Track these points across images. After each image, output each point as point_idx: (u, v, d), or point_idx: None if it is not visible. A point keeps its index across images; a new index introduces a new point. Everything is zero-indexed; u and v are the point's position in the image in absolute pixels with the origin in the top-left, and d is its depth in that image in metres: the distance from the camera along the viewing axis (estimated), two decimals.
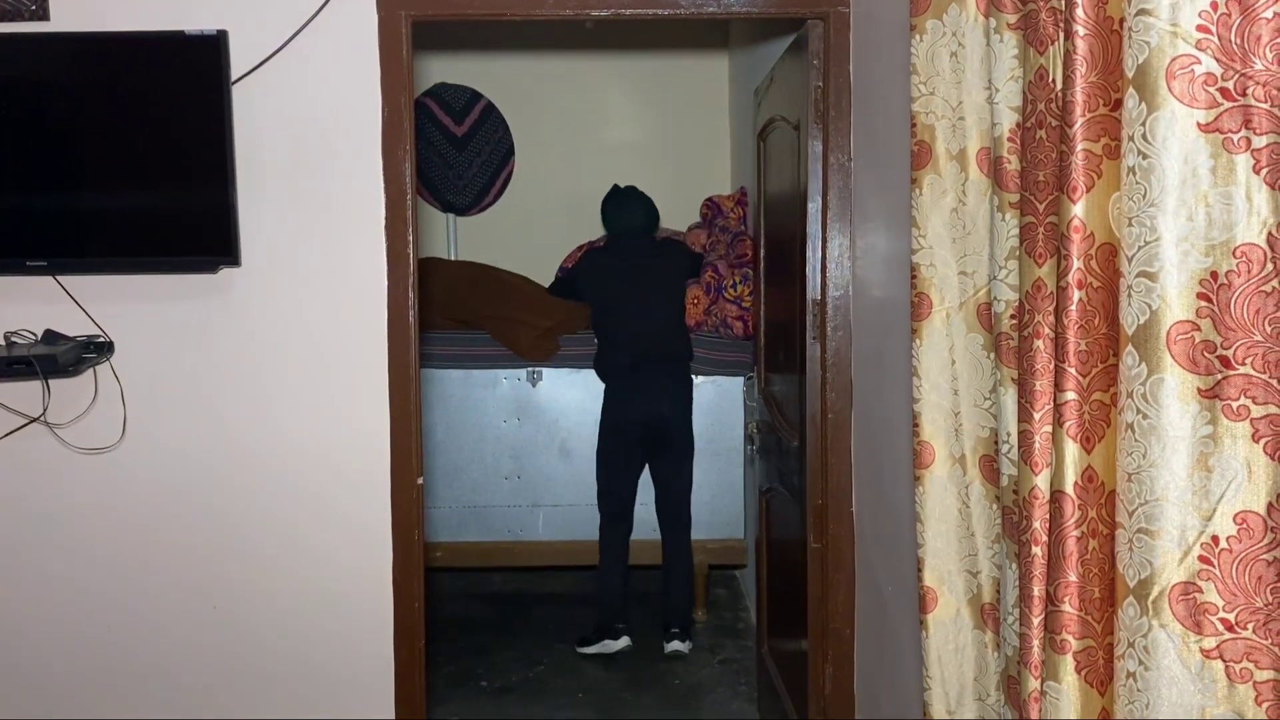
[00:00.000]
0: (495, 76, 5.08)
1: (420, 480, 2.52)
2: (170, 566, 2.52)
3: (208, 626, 2.53)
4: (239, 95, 2.38)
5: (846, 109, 2.47)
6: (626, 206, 4.07)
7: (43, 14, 2.41)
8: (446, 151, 5.04)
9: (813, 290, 2.56)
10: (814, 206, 2.53)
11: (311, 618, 2.53)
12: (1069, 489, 1.24)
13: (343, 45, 2.43)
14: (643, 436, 3.98)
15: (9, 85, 2.39)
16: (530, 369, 4.32)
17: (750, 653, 3.96)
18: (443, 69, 5.03)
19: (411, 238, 2.48)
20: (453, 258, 5.10)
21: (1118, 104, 1.17)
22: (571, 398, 4.34)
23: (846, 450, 2.52)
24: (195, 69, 2.34)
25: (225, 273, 2.45)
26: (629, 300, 4.03)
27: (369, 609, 2.52)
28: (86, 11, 2.39)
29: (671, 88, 5.26)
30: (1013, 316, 1.47)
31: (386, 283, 2.47)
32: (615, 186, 4.16)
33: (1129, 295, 1.13)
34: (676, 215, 4.85)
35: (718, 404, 4.23)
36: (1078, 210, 1.21)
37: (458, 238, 5.21)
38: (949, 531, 1.71)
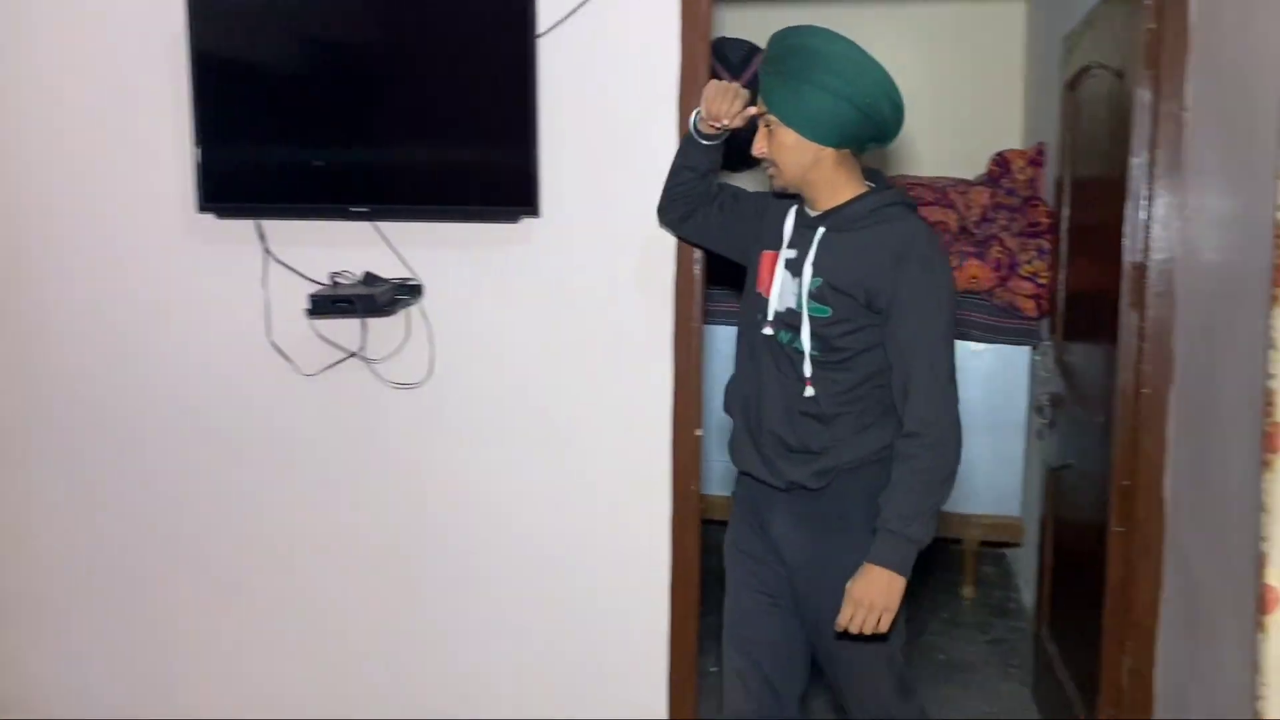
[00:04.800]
0: (774, 28, 5.00)
1: (699, 432, 2.54)
2: (465, 498, 2.66)
3: (495, 556, 2.66)
4: (543, 48, 2.44)
5: (1182, 53, 2.23)
6: None
7: None
8: None
9: (1131, 253, 2.35)
10: (1138, 161, 2.32)
11: (591, 558, 2.61)
12: None
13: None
14: None
15: (335, 43, 2.56)
16: None
17: (1021, 634, 3.77)
18: (720, 22, 5.00)
19: None
20: None
21: None
22: None
23: (1161, 429, 2.30)
24: (504, 23, 2.42)
25: (525, 223, 2.54)
26: None
27: (646, 555, 2.58)
28: None
29: (956, 36, 4.99)
30: None
31: (675, 237, 2.49)
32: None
33: None
34: (956, 171, 4.63)
35: (999, 373, 4.01)
36: None
37: None
38: None
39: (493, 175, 2.50)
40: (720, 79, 2.17)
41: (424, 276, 2.62)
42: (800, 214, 2.10)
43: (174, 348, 2.79)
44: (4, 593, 2.98)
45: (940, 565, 4.32)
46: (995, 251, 3.93)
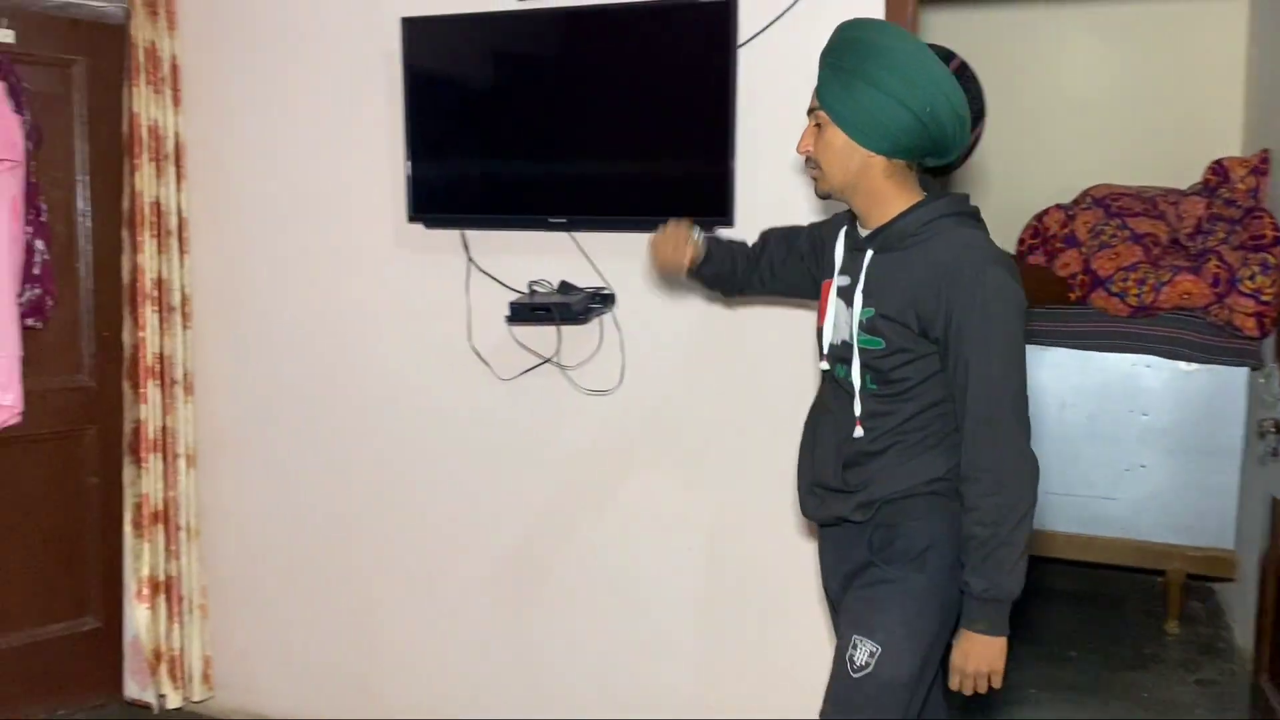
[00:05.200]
0: (974, 31, 4.85)
1: None
2: (653, 505, 2.68)
3: (683, 567, 2.67)
4: (741, 58, 2.43)
5: None
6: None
7: None
8: None
9: None
10: None
11: (773, 586, 2.58)
12: None
13: (845, 3, 2.40)
14: None
15: (537, 60, 2.63)
16: None
17: (1233, 677, 3.50)
18: (923, 27, 4.88)
19: None
20: None
21: None
22: (1035, 376, 4.05)
23: None
24: (705, 35, 2.43)
25: (719, 234, 2.54)
26: None
27: None
28: None
29: (1167, 37, 4.71)
30: None
31: None
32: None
33: None
34: (1165, 179, 4.37)
35: (1213, 395, 3.74)
36: None
37: None
38: None
39: (688, 186, 2.51)
40: None
41: (617, 286, 2.66)
42: (851, 234, 1.92)
43: (382, 351, 2.93)
44: (222, 581, 3.19)
45: (1140, 596, 4.06)
46: (1212, 266, 3.68)
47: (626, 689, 2.75)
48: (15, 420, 2.99)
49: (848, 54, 1.79)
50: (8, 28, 2.95)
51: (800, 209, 2.48)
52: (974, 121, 4.87)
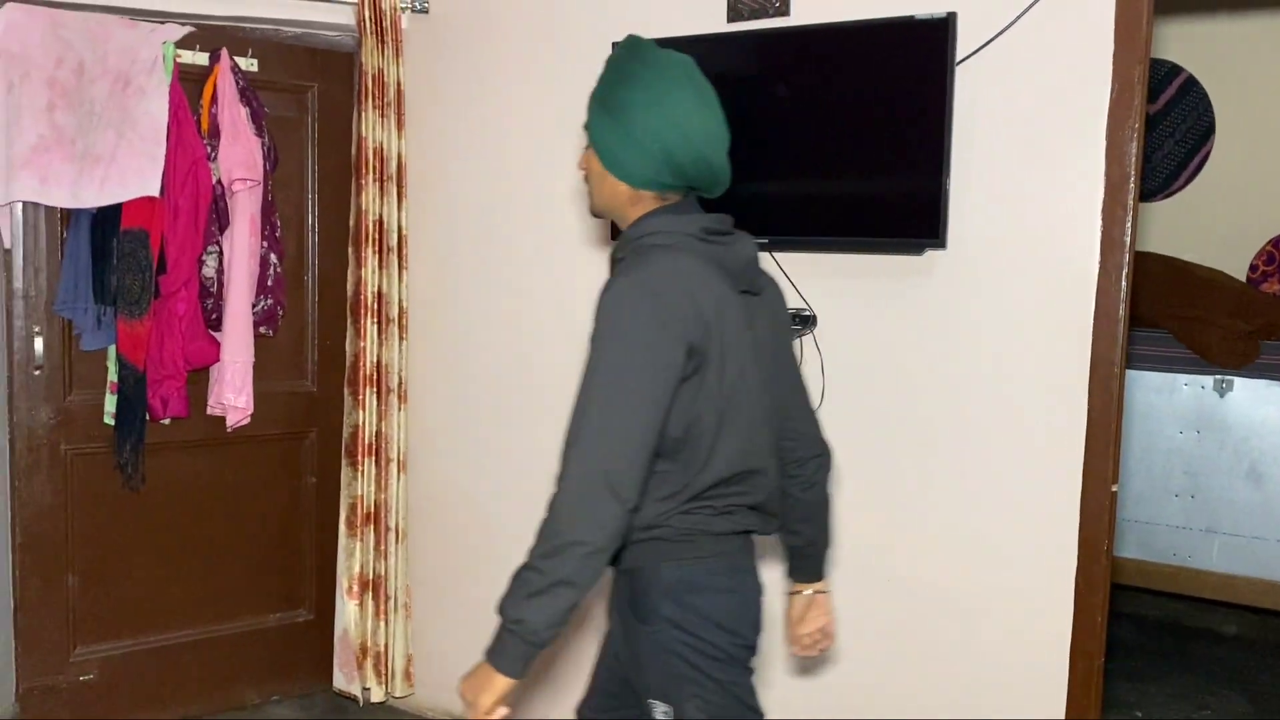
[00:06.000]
0: (1204, 44, 4.54)
1: (1115, 488, 2.33)
2: (851, 533, 2.62)
3: (881, 598, 2.59)
4: (959, 77, 2.36)
5: None
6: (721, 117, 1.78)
7: (784, 10, 2.61)
8: None
9: None
10: None
11: (983, 609, 2.47)
12: None
13: (1072, 18, 2.29)
14: None
15: (745, 79, 2.63)
16: (1219, 376, 3.83)
17: None
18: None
19: (1130, 224, 2.28)
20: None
21: None
22: (1267, 413, 3.76)
23: None
24: (920, 53, 2.37)
25: (929, 255, 2.47)
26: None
27: (1044, 620, 2.39)
28: (823, 4, 2.54)
29: None
30: None
31: (1096, 272, 2.30)
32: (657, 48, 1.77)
33: None
34: None
35: None
36: None
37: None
38: None
39: (898, 206, 2.45)
40: None
41: (818, 307, 2.62)
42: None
43: (567, 359, 2.98)
44: (425, 582, 3.33)
45: None
46: None
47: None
48: (245, 421, 3.22)
49: (603, 77, 1.73)
50: (251, 57, 3.19)
51: (1018, 232, 2.37)
52: (1202, 139, 4.58)
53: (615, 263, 1.76)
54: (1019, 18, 2.32)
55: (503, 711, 1.59)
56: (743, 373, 1.69)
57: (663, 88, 1.65)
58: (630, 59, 1.70)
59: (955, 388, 2.47)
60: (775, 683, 2.74)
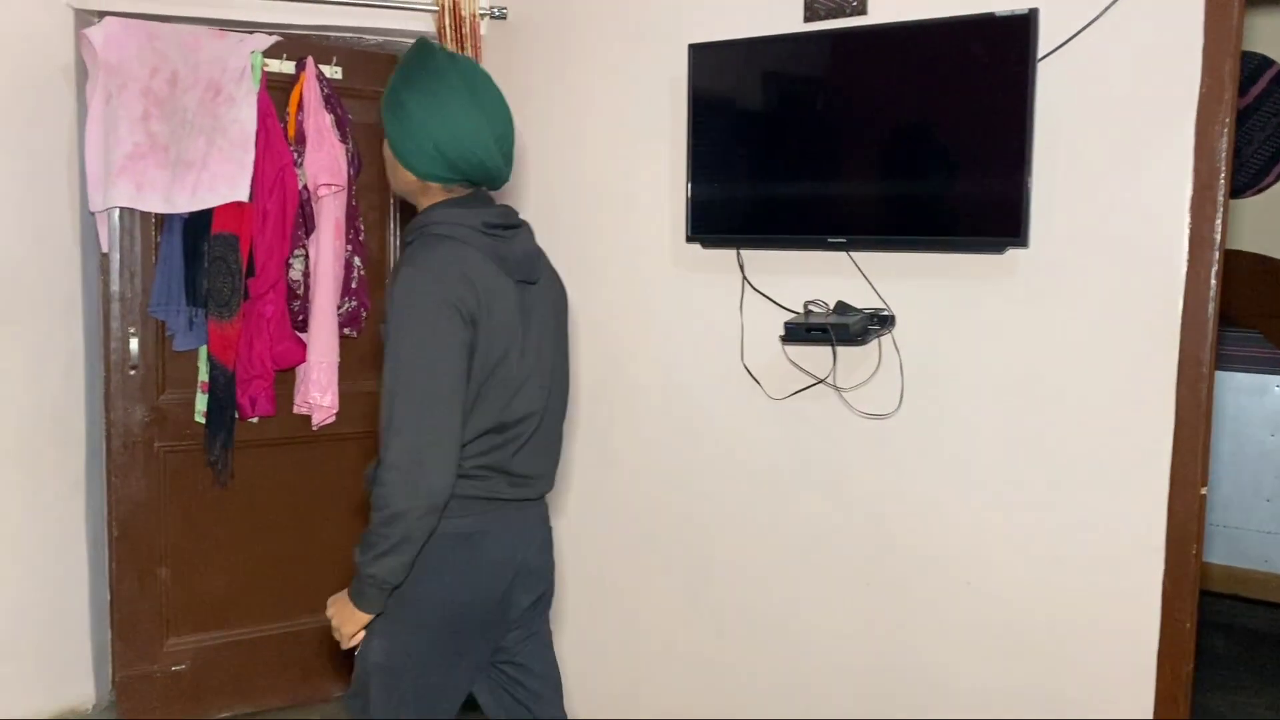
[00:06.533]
0: None
1: (1204, 491, 2.27)
2: (930, 536, 2.60)
3: (960, 601, 2.57)
4: (1040, 74, 2.33)
5: None
6: (497, 120, 1.90)
7: (862, 9, 2.60)
8: None
9: None
10: None
11: (1067, 615, 2.43)
12: None
13: (1159, 11, 2.24)
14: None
15: (823, 79, 2.63)
16: None
17: None
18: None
19: (1220, 222, 2.23)
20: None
21: None
22: None
23: None
24: (1001, 50, 2.34)
25: (1010, 254, 2.44)
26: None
27: (1129, 627, 2.34)
28: (902, 2, 2.53)
29: None
30: None
31: (1184, 271, 2.25)
32: (439, 50, 1.90)
33: None
34: None
35: None
36: None
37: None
38: None
39: (978, 205, 2.42)
40: None
41: (896, 307, 2.60)
42: None
43: (658, 363, 3.01)
44: None
45: None
46: None
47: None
48: (330, 420, 3.30)
49: (393, 76, 1.88)
50: (335, 65, 3.28)
51: (1103, 230, 2.33)
52: None
53: (405, 245, 1.93)
54: (1103, 12, 2.28)
55: (360, 635, 1.92)
56: (507, 353, 1.85)
57: (437, 90, 1.82)
58: (414, 62, 1.87)
59: (1037, 389, 2.44)
60: (861, 684, 2.73)
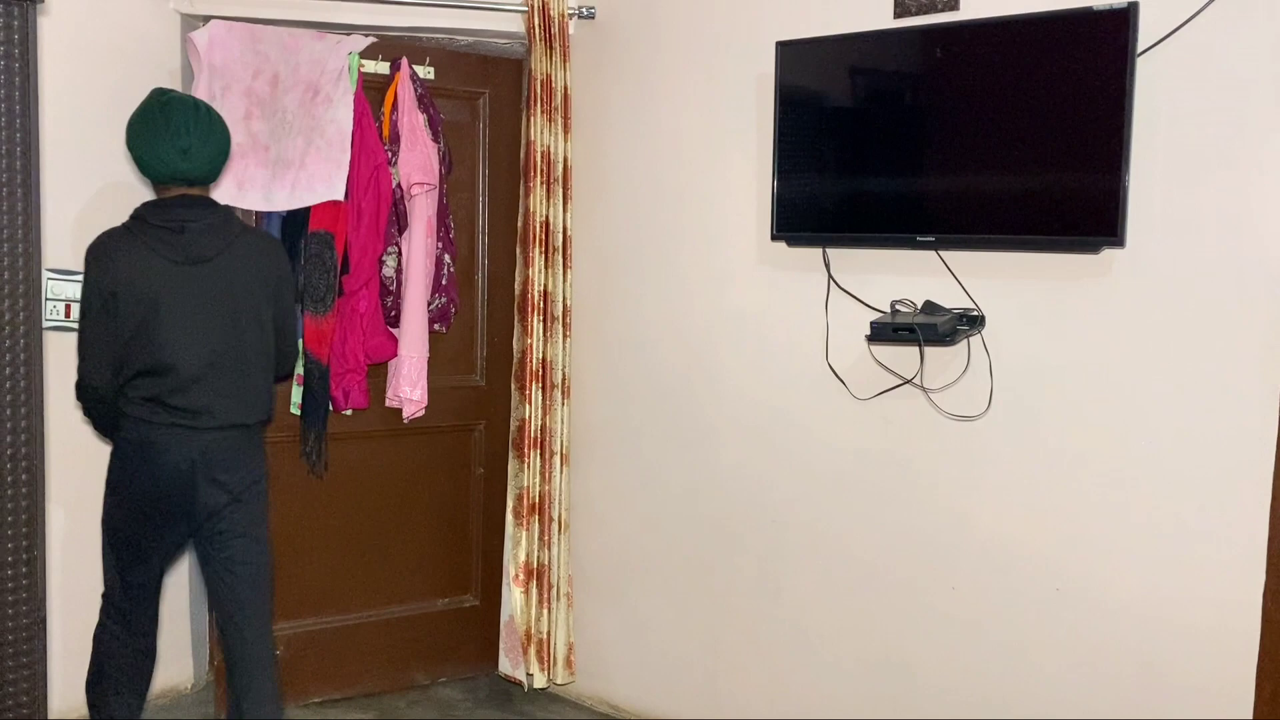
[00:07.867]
0: None
1: None
2: (1017, 540, 2.56)
3: (1048, 608, 2.52)
4: (1139, 69, 2.27)
5: None
6: (181, 135, 2.46)
7: (953, 4, 2.57)
8: None
9: None
10: None
11: (1164, 623, 2.37)
12: None
13: (1263, 3, 2.17)
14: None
15: (912, 75, 2.60)
16: None
17: None
18: None
19: None
20: None
21: None
22: None
23: None
24: (1098, 45, 2.29)
25: (1105, 254, 2.38)
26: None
27: (1228, 635, 2.28)
28: None
29: None
30: None
31: None
32: (158, 91, 2.55)
33: None
34: None
35: None
36: None
37: None
38: None
39: (1072, 203, 2.37)
40: None
41: (986, 307, 2.57)
42: None
43: (741, 362, 3.02)
44: (586, 572, 3.42)
45: None
46: None
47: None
48: (420, 413, 3.37)
49: None
50: (429, 65, 3.34)
51: (1203, 229, 2.27)
52: None
53: None
54: (1206, 6, 2.21)
55: None
56: (146, 319, 2.43)
57: (135, 119, 2.46)
58: (143, 101, 2.49)
59: (1134, 392, 2.38)
60: (937, 683, 2.70)
